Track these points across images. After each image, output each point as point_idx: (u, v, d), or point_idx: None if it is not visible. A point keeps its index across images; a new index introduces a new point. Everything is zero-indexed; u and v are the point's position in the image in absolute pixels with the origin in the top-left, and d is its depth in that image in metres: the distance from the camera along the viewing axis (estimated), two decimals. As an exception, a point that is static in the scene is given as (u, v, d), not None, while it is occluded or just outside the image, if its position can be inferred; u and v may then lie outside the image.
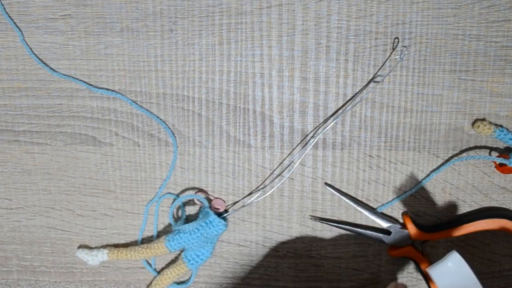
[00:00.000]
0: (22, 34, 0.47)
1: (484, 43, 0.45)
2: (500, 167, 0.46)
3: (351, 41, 0.45)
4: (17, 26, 0.47)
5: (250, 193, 0.48)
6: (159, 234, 0.50)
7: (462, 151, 0.47)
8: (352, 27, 0.45)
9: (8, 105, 0.48)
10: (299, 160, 0.47)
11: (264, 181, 0.48)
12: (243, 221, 0.49)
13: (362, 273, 0.49)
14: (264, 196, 0.48)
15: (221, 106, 0.47)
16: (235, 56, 0.46)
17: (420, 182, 0.47)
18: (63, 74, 0.47)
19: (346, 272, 0.49)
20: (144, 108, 0.47)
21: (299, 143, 0.47)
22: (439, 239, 0.47)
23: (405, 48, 0.45)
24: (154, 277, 0.50)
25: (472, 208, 0.48)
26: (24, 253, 0.51)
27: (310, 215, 0.48)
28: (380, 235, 0.47)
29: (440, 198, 0.48)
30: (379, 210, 0.48)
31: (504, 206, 0.47)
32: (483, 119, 0.46)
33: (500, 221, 0.46)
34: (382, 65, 0.45)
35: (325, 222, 0.48)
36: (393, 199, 0.48)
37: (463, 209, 0.48)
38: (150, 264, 0.50)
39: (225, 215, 0.48)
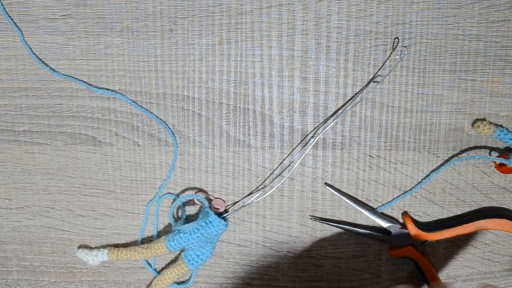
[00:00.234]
0: (22, 34, 0.47)
1: (484, 43, 0.45)
2: (500, 167, 0.46)
3: (351, 41, 0.45)
4: (17, 26, 0.47)
5: (250, 193, 0.48)
6: (159, 234, 0.50)
7: (462, 151, 0.47)
8: (352, 27, 0.45)
9: (8, 105, 0.48)
10: (299, 160, 0.47)
11: (264, 181, 0.48)
12: (243, 221, 0.49)
13: (362, 273, 0.49)
14: (264, 196, 0.48)
15: (221, 106, 0.47)
16: (235, 56, 0.46)
17: (420, 182, 0.47)
18: (63, 74, 0.47)
19: (346, 272, 0.49)
20: (144, 108, 0.47)
21: (299, 143, 0.47)
22: (439, 239, 0.47)
23: (405, 48, 0.45)
24: (154, 277, 0.50)
25: (472, 208, 0.48)
26: (24, 253, 0.51)
27: (310, 215, 0.48)
28: (380, 235, 0.47)
29: (440, 198, 0.48)
30: (379, 210, 0.48)
31: (504, 206, 0.47)
32: (483, 119, 0.46)
33: (500, 221, 0.46)
34: (382, 65, 0.45)
35: (325, 222, 0.48)
36: (393, 199, 0.48)
37: (463, 209, 0.48)
38: (150, 264, 0.50)
39: (225, 215, 0.48)
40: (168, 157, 0.48)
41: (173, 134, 0.48)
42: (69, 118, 0.48)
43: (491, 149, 0.46)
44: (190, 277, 0.49)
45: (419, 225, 0.47)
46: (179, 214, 0.49)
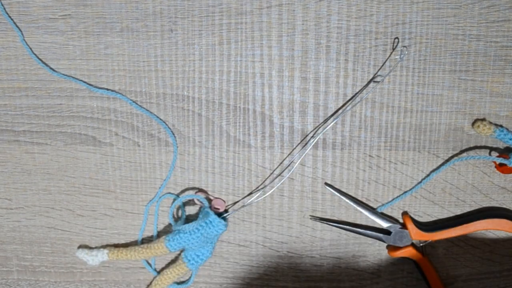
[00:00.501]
0: (22, 34, 0.47)
1: (484, 43, 0.45)
2: (500, 167, 0.46)
3: (351, 41, 0.45)
4: (17, 26, 0.47)
5: (250, 193, 0.48)
6: (159, 234, 0.50)
7: (462, 151, 0.47)
8: (352, 27, 0.45)
9: (8, 105, 0.48)
10: (299, 160, 0.47)
11: (264, 181, 0.48)
12: (243, 221, 0.49)
13: (362, 273, 0.49)
14: (264, 196, 0.48)
15: (221, 106, 0.47)
16: (235, 56, 0.46)
17: (420, 182, 0.47)
18: (63, 74, 0.47)
19: (346, 272, 0.49)
20: (144, 108, 0.47)
21: (299, 143, 0.47)
22: (439, 239, 0.47)
23: (405, 48, 0.45)
24: (154, 277, 0.50)
25: (472, 208, 0.48)
26: (24, 253, 0.51)
27: (310, 215, 0.48)
28: (380, 235, 0.47)
29: (440, 198, 0.48)
30: (379, 210, 0.48)
31: (504, 206, 0.47)
32: (483, 119, 0.46)
33: (500, 221, 0.46)
34: (382, 65, 0.45)
35: (325, 222, 0.48)
36: (393, 199, 0.48)
37: (463, 209, 0.48)
38: (150, 264, 0.50)
39: (225, 215, 0.48)
40: (168, 157, 0.48)
41: (173, 134, 0.48)
42: (69, 118, 0.48)
43: (491, 149, 0.46)
44: (190, 277, 0.49)
45: (419, 225, 0.47)
46: (179, 214, 0.49)
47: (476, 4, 0.44)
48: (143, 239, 0.50)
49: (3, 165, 0.49)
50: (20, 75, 0.48)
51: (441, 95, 0.46)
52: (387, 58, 0.45)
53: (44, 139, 0.49)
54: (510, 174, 0.47)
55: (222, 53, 0.46)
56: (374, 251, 0.49)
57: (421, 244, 0.48)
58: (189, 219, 0.49)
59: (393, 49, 0.45)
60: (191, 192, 0.49)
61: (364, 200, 0.48)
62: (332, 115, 0.47)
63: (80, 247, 0.50)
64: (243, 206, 0.48)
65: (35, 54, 0.47)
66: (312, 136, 0.47)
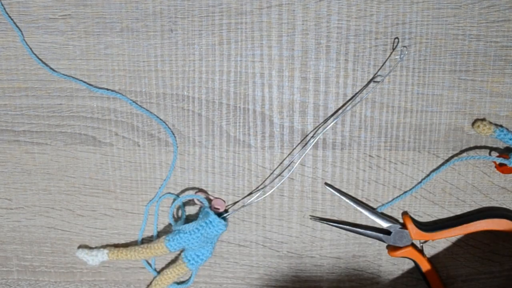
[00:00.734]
0: (22, 34, 0.47)
1: (484, 43, 0.45)
2: (500, 167, 0.46)
3: (351, 41, 0.45)
4: (17, 26, 0.47)
5: (250, 193, 0.48)
6: (159, 234, 0.50)
7: (462, 151, 0.47)
8: (352, 27, 0.45)
9: (8, 105, 0.48)
10: (299, 160, 0.47)
11: (264, 181, 0.48)
12: (243, 221, 0.49)
13: (362, 273, 0.49)
14: (264, 196, 0.48)
15: (221, 106, 0.47)
16: (235, 56, 0.46)
17: (420, 182, 0.47)
18: (63, 74, 0.47)
19: (346, 272, 0.49)
20: (144, 108, 0.47)
21: (299, 143, 0.47)
22: (439, 239, 0.47)
23: (405, 48, 0.45)
24: (154, 277, 0.50)
25: (472, 208, 0.48)
26: (24, 253, 0.51)
27: (310, 215, 0.48)
28: (380, 235, 0.47)
29: (440, 198, 0.48)
30: (379, 210, 0.48)
31: (504, 206, 0.47)
32: (483, 119, 0.46)
33: (500, 221, 0.46)
34: (382, 65, 0.45)
35: (325, 222, 0.48)
36: (393, 199, 0.48)
37: (463, 209, 0.48)
38: (150, 264, 0.50)
39: (225, 215, 0.48)
40: (168, 157, 0.48)
41: (173, 134, 0.48)
42: (69, 118, 0.48)
43: (491, 149, 0.46)
44: (190, 277, 0.49)
45: (419, 225, 0.47)
46: (179, 214, 0.49)
47: (476, 4, 0.44)
48: (143, 239, 0.50)
49: (3, 165, 0.50)
50: (20, 75, 0.48)
51: (441, 95, 0.46)
52: (387, 58, 0.45)
53: (44, 139, 0.49)
54: (510, 174, 0.47)
55: (222, 53, 0.46)
56: (374, 251, 0.49)
57: (421, 244, 0.48)
58: (189, 219, 0.49)
59: (393, 49, 0.45)
60: (191, 192, 0.49)
61: (364, 200, 0.48)
62: (332, 115, 0.47)
63: (80, 247, 0.50)
64: (243, 206, 0.48)
65: (35, 54, 0.47)
66: (312, 136, 0.47)
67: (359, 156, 0.47)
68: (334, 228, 0.48)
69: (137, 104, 0.47)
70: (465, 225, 0.46)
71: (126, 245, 0.50)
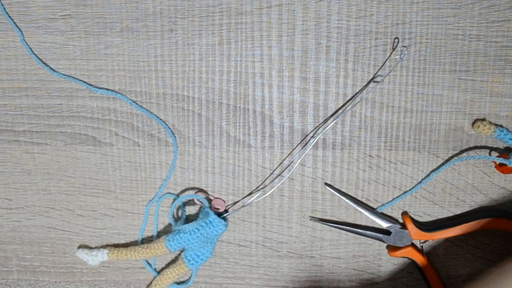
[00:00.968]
0: (22, 34, 0.47)
1: (484, 43, 0.45)
2: (500, 167, 0.46)
3: (351, 41, 0.45)
4: (17, 26, 0.47)
5: (250, 193, 0.48)
6: (159, 234, 0.50)
7: (462, 151, 0.47)
8: (352, 27, 0.45)
9: (8, 105, 0.48)
10: (299, 160, 0.47)
11: (264, 181, 0.48)
12: (243, 221, 0.49)
13: (362, 273, 0.49)
14: (264, 196, 0.48)
15: (221, 106, 0.47)
16: (235, 56, 0.46)
17: (420, 182, 0.47)
18: (63, 74, 0.47)
19: (346, 272, 0.49)
20: (144, 108, 0.47)
21: (299, 143, 0.47)
22: (439, 239, 0.47)
23: (405, 48, 0.45)
24: (154, 277, 0.50)
25: (472, 208, 0.48)
26: (24, 253, 0.51)
27: (310, 216, 0.48)
28: (380, 235, 0.47)
29: (440, 198, 0.48)
30: (379, 210, 0.48)
31: (504, 206, 0.47)
32: (483, 119, 0.46)
33: (500, 221, 0.46)
34: (382, 65, 0.45)
35: (325, 222, 0.48)
36: (393, 199, 0.48)
37: (463, 209, 0.48)
38: (150, 264, 0.50)
39: (225, 215, 0.48)
40: (168, 157, 0.48)
41: (173, 134, 0.48)
42: (69, 118, 0.48)
43: (491, 149, 0.46)
44: (190, 277, 0.49)
45: (419, 225, 0.47)
46: (179, 214, 0.49)
47: (476, 4, 0.44)
48: (143, 239, 0.50)
49: (3, 165, 0.50)
50: (20, 75, 0.48)
51: (441, 95, 0.46)
52: (387, 58, 0.45)
53: (44, 139, 0.49)
54: (510, 174, 0.47)
55: (222, 53, 0.46)
56: (374, 251, 0.49)
57: (421, 244, 0.48)
58: (189, 219, 0.49)
59: (393, 49, 0.45)
60: (191, 192, 0.49)
61: (364, 200, 0.48)
62: (332, 115, 0.47)
63: (80, 247, 0.50)
64: (243, 206, 0.48)
65: (35, 54, 0.47)
66: (312, 136, 0.47)
67: (359, 156, 0.47)
68: (334, 228, 0.48)
69: (137, 104, 0.47)
70: (465, 225, 0.46)
71: (126, 245, 0.50)
